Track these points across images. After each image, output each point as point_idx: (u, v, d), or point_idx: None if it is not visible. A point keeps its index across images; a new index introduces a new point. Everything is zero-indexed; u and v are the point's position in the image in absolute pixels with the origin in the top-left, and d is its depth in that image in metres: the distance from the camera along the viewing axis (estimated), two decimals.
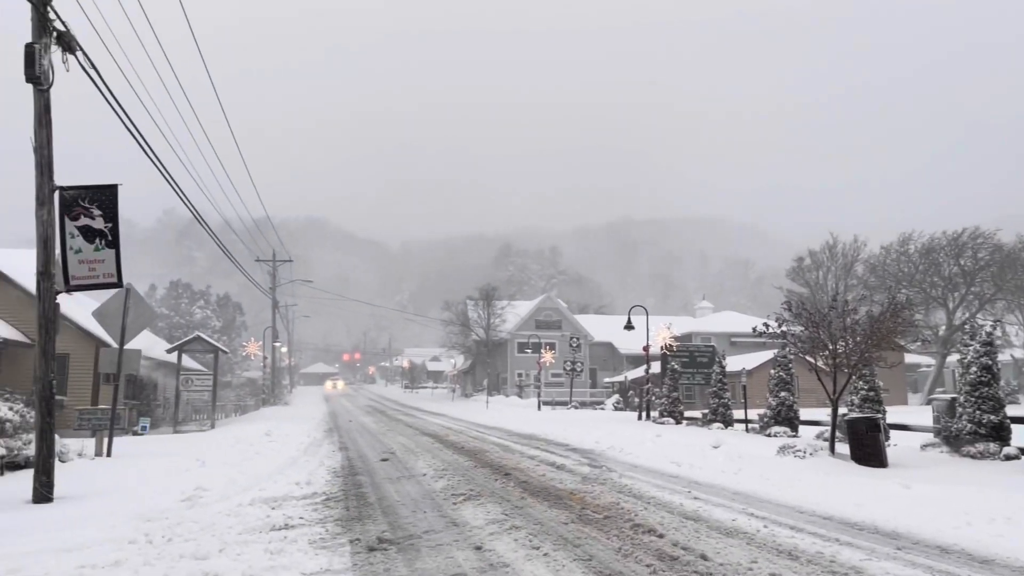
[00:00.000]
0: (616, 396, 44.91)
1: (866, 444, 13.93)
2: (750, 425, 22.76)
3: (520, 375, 60.67)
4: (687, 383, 29.29)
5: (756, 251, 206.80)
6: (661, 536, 7.41)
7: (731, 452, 15.04)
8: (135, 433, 25.20)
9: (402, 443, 18.86)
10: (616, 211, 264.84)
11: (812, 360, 16.59)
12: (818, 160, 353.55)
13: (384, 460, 14.86)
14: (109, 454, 15.93)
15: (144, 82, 15.38)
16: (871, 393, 17.19)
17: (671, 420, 26.20)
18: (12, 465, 13.64)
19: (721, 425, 23.85)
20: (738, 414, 24.84)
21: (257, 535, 7.55)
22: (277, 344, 63.74)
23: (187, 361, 35.54)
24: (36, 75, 10.22)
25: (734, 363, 37.51)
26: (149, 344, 32.26)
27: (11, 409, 16.10)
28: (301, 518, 8.51)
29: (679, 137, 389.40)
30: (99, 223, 10.83)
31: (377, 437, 21.15)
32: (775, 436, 19.20)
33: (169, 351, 33.56)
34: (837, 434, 15.64)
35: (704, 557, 6.56)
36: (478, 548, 6.94)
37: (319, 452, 16.57)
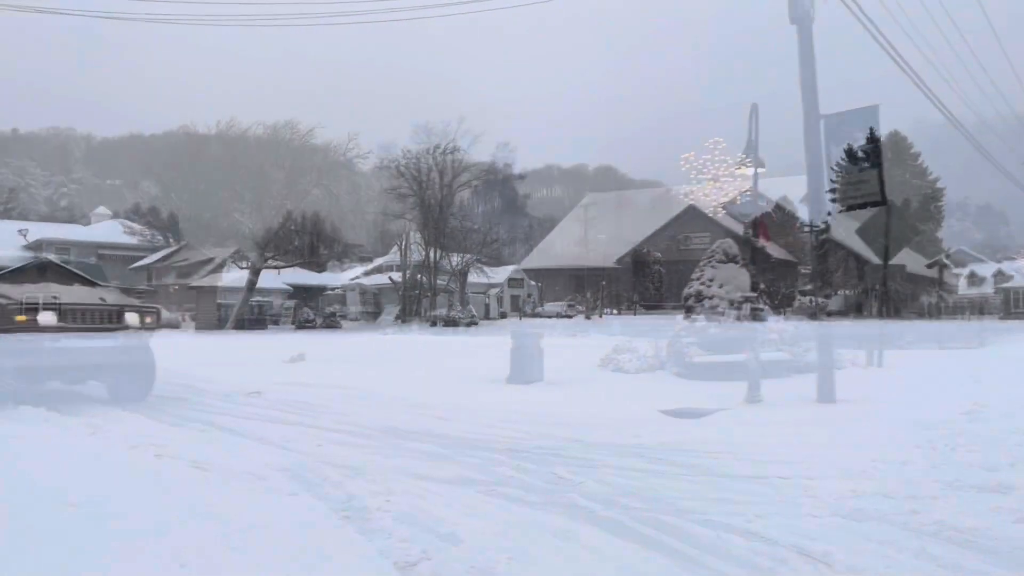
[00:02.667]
0: None
1: None
2: None
3: None
4: None
5: None
6: None
7: None
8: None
9: None
10: None
11: None
12: None
13: None
14: (880, 364, 16.75)
15: None
16: None
17: None
18: (794, 369, 15.56)
19: None
20: None
21: None
22: None
23: None
24: (800, 15, 11.21)
25: None
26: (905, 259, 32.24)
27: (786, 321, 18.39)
28: None
29: None
30: (861, 145, 11.35)
31: None
32: None
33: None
34: None
35: None
36: None
37: None
